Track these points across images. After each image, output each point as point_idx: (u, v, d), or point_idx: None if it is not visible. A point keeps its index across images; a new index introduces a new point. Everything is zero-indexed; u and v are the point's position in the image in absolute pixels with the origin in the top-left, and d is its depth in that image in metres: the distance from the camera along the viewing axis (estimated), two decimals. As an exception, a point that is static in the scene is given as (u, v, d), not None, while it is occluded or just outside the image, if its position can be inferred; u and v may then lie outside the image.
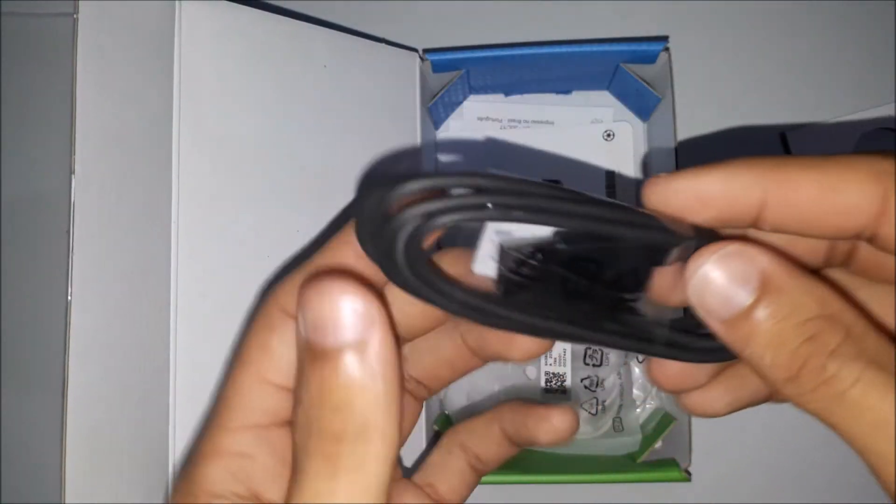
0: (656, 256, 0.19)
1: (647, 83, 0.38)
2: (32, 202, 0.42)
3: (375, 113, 0.34)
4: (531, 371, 0.40)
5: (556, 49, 0.37)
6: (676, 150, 0.36)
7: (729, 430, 0.40)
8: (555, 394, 0.39)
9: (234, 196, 0.29)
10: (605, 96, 0.42)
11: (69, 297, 0.25)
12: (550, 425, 0.23)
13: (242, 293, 0.29)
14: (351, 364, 0.15)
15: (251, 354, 0.18)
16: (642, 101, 0.40)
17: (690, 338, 0.20)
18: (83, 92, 0.26)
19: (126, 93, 0.27)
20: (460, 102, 0.42)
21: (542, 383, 0.40)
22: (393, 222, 0.16)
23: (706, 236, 0.18)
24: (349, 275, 0.16)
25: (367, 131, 0.34)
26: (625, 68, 0.38)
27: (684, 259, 0.18)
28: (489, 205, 0.16)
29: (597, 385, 0.40)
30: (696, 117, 0.41)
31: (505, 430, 0.24)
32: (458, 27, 0.43)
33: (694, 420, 0.34)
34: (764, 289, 0.17)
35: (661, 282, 0.19)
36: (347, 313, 0.15)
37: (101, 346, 0.26)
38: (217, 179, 0.29)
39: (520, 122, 0.42)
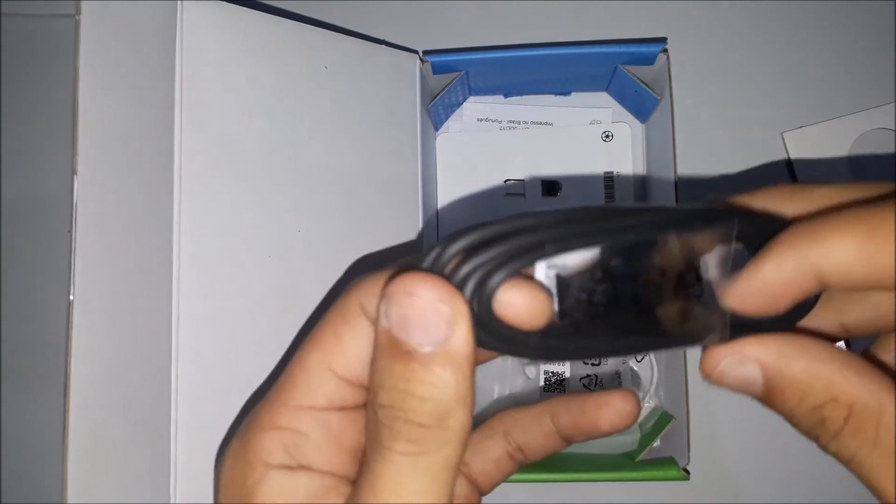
0: (702, 245, 0.19)
1: (646, 84, 0.38)
2: (34, 202, 0.42)
3: (375, 114, 0.35)
4: (531, 371, 0.40)
5: (555, 51, 0.37)
6: (675, 152, 0.36)
7: (728, 428, 0.40)
8: (553, 391, 0.40)
9: (235, 196, 0.29)
10: (603, 97, 0.42)
11: (71, 297, 0.25)
12: (613, 410, 0.24)
13: (244, 293, 0.29)
14: (436, 361, 0.17)
15: (323, 341, 0.19)
16: (641, 103, 0.40)
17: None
18: (85, 93, 0.26)
19: (128, 93, 0.28)
20: (460, 104, 0.42)
21: (542, 383, 0.40)
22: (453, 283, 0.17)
23: (748, 217, 0.20)
24: (434, 273, 0.17)
25: (367, 132, 0.34)
26: (623, 70, 0.38)
27: (729, 243, 0.20)
28: (545, 245, 0.17)
29: (596, 384, 0.40)
30: (694, 118, 0.42)
31: (558, 422, 0.25)
32: (457, 29, 0.43)
33: (692, 419, 0.34)
34: (768, 389, 0.19)
35: (717, 272, 0.20)
36: (433, 313, 0.17)
37: (102, 346, 0.26)
38: (218, 180, 0.29)
39: (519, 123, 0.42)
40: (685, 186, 0.36)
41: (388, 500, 0.17)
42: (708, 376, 0.20)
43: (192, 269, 0.28)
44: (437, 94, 0.39)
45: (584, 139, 0.42)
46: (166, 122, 0.28)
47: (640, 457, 0.37)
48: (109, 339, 0.26)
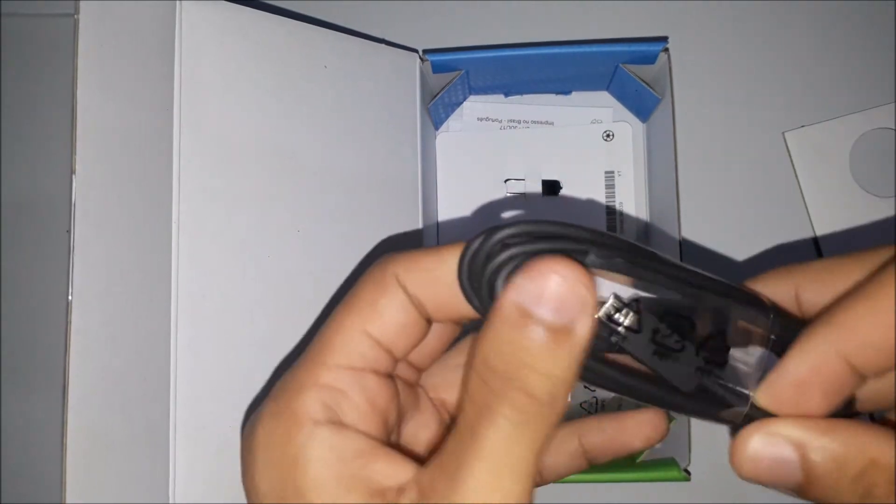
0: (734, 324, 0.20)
1: (647, 84, 0.38)
2: (33, 202, 0.42)
3: (375, 113, 0.34)
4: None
5: (556, 49, 0.37)
6: (676, 151, 0.36)
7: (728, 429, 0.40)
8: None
9: (234, 196, 0.29)
10: (604, 97, 0.42)
11: (70, 297, 0.25)
12: (649, 426, 0.25)
13: (243, 293, 0.29)
14: (561, 341, 0.18)
15: (359, 306, 0.20)
16: (642, 102, 0.40)
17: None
18: (84, 92, 0.26)
19: (127, 93, 0.28)
20: (460, 103, 0.42)
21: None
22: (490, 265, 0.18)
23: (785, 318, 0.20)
24: (578, 263, 0.18)
25: (367, 131, 0.34)
26: (624, 69, 0.38)
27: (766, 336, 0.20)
28: (591, 252, 0.18)
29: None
30: (695, 118, 0.41)
31: (588, 442, 0.25)
32: (458, 27, 0.43)
33: (693, 420, 0.34)
34: (806, 470, 0.19)
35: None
36: (573, 294, 0.18)
37: (101, 346, 0.26)
38: (218, 179, 0.29)
39: (519, 122, 0.42)
40: (686, 186, 0.36)
41: (493, 462, 0.18)
42: (739, 462, 0.20)
43: (191, 269, 0.28)
44: (437, 94, 0.39)
45: (585, 138, 0.42)
46: (165, 122, 0.28)
47: (642, 458, 0.37)
48: (108, 339, 0.26)
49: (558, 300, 0.17)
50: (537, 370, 0.18)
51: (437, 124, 0.42)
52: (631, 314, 0.19)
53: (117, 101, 0.27)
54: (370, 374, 0.20)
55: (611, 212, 0.41)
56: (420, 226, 0.35)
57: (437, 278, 0.19)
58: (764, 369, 0.20)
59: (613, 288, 0.19)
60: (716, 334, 0.20)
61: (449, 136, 0.42)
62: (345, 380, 0.20)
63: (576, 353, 0.18)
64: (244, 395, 0.29)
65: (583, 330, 0.18)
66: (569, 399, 0.18)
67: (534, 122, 0.42)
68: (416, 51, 0.37)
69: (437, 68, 0.38)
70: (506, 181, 0.41)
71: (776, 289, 0.21)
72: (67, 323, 0.25)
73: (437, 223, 0.41)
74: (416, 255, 0.20)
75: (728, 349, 0.20)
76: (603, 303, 0.19)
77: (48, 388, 0.41)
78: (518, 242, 0.18)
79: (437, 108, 0.40)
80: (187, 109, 0.28)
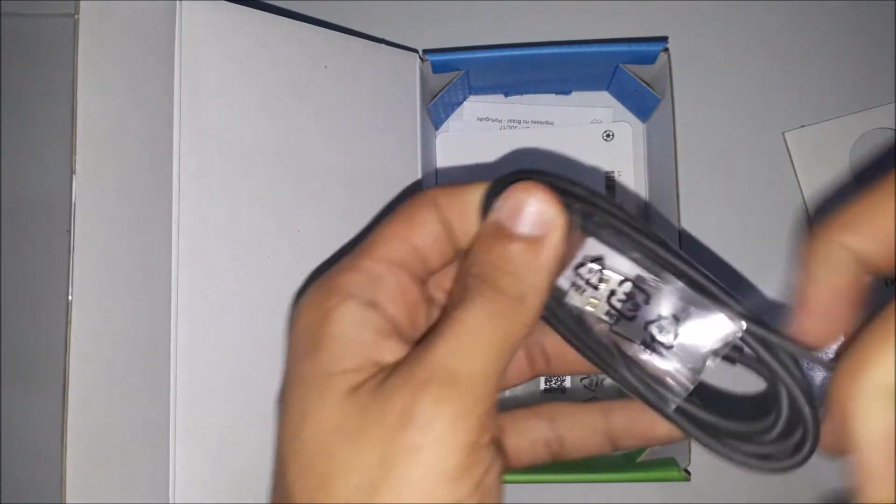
0: None
1: (647, 84, 0.38)
2: (33, 202, 0.42)
3: (375, 113, 0.34)
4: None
5: (556, 49, 0.37)
6: (676, 150, 0.36)
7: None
8: (554, 393, 0.40)
9: (234, 196, 0.29)
10: (604, 97, 0.42)
11: (70, 297, 0.25)
12: None
13: (243, 293, 0.29)
14: (528, 248, 0.21)
15: (400, 218, 0.23)
16: (642, 102, 0.40)
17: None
18: (84, 92, 0.26)
19: (127, 93, 0.28)
20: (460, 103, 0.42)
21: (542, 383, 0.40)
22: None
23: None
24: (548, 187, 0.21)
25: (367, 131, 0.34)
26: (624, 69, 0.38)
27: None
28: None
29: (596, 385, 0.40)
30: (695, 118, 0.41)
31: (612, 421, 0.26)
32: (458, 27, 0.43)
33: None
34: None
35: None
36: (540, 211, 0.21)
37: (101, 346, 0.26)
38: (218, 179, 0.29)
39: (519, 122, 0.42)
40: (686, 186, 0.36)
41: (462, 336, 0.20)
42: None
43: (191, 269, 0.28)
44: (438, 94, 0.39)
45: (585, 138, 0.42)
46: (165, 122, 0.28)
47: (641, 458, 0.37)
48: (108, 339, 0.26)
49: (529, 215, 0.21)
50: (509, 272, 0.21)
51: (437, 124, 0.42)
52: (596, 270, 0.21)
53: (117, 101, 0.27)
54: (405, 272, 0.23)
55: (611, 212, 0.41)
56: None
57: (466, 203, 0.22)
58: (692, 377, 0.21)
59: (597, 248, 0.21)
60: (670, 321, 0.21)
61: (449, 136, 0.42)
62: (382, 269, 0.22)
63: (544, 262, 0.21)
64: (244, 395, 0.29)
65: (550, 243, 0.21)
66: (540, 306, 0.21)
67: (534, 122, 0.42)
68: (416, 51, 0.37)
69: (437, 68, 0.38)
70: (506, 181, 0.41)
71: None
72: (67, 322, 0.25)
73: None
74: (453, 185, 0.23)
75: (677, 338, 0.21)
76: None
77: (48, 387, 0.41)
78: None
79: (437, 108, 0.40)
80: (187, 109, 0.28)
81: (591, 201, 0.21)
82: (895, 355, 0.17)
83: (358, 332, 0.21)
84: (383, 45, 0.36)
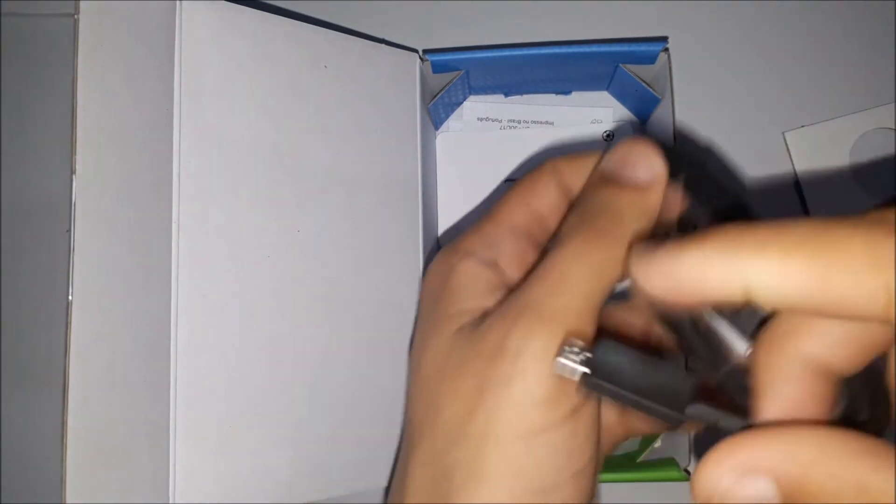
0: None
1: (647, 84, 0.38)
2: (33, 202, 0.42)
3: (375, 113, 0.34)
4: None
5: (556, 49, 0.37)
6: (677, 150, 0.36)
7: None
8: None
9: (234, 196, 0.29)
10: (604, 97, 0.42)
11: (70, 297, 0.25)
12: None
13: (243, 293, 0.29)
14: (635, 191, 0.23)
15: (523, 186, 0.26)
16: (642, 102, 0.40)
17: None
18: (84, 92, 0.26)
19: (127, 93, 0.28)
20: (460, 103, 0.42)
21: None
22: None
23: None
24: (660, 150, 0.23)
25: (366, 131, 0.34)
26: (624, 69, 0.38)
27: None
28: None
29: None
30: (695, 118, 0.41)
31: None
32: (458, 27, 0.43)
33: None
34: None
35: None
36: (647, 160, 0.23)
37: (101, 346, 0.26)
38: (218, 179, 0.29)
39: (520, 122, 0.42)
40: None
41: (555, 277, 0.22)
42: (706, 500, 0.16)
43: (191, 269, 0.28)
44: (437, 94, 0.39)
45: (585, 138, 0.42)
46: (165, 122, 0.28)
47: (642, 458, 0.37)
48: (108, 338, 0.26)
49: (635, 163, 0.23)
50: (610, 213, 0.22)
51: (437, 124, 0.42)
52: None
53: (117, 101, 0.27)
54: (524, 235, 0.25)
55: (611, 212, 0.41)
56: (420, 226, 0.35)
57: (586, 167, 0.25)
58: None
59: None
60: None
61: (449, 136, 0.42)
62: (503, 234, 0.25)
63: (646, 205, 0.23)
64: (244, 395, 0.29)
65: (654, 189, 0.23)
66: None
67: (534, 122, 0.42)
68: (416, 51, 0.37)
69: (437, 68, 0.38)
70: (506, 181, 0.41)
71: None
72: (68, 323, 0.25)
73: (437, 223, 0.41)
74: (573, 153, 0.26)
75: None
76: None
77: (48, 387, 0.41)
78: None
79: (438, 108, 0.40)
80: (187, 109, 0.28)
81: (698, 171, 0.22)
82: None
83: (473, 284, 0.24)
84: (383, 45, 0.36)
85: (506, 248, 0.25)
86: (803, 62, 0.42)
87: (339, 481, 0.31)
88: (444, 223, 0.41)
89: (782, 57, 0.42)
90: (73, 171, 0.26)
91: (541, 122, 0.42)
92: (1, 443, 0.41)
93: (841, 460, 0.14)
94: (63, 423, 0.25)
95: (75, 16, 0.26)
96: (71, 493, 0.25)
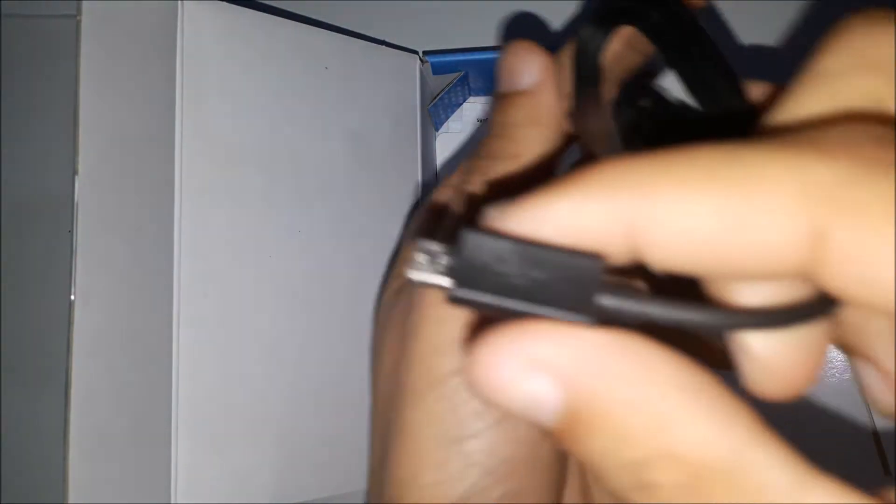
0: None
1: (646, 84, 0.38)
2: (35, 202, 0.42)
3: (375, 114, 0.35)
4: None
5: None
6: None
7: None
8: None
9: (236, 196, 0.29)
10: (604, 97, 0.42)
11: (72, 297, 0.25)
12: None
13: (244, 293, 0.29)
14: (520, 101, 0.22)
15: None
16: (641, 103, 0.40)
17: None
18: (86, 93, 0.26)
19: (129, 94, 0.28)
20: (460, 104, 0.42)
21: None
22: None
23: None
24: (540, 47, 0.22)
25: (367, 133, 0.34)
26: (624, 70, 0.38)
27: None
28: None
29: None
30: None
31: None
32: (458, 29, 0.43)
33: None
34: (567, 418, 0.12)
35: None
36: (528, 68, 0.22)
37: (104, 346, 0.26)
38: (219, 180, 0.29)
39: (519, 123, 0.43)
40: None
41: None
42: (477, 384, 0.12)
43: (192, 269, 0.28)
44: (437, 95, 0.39)
45: (585, 139, 0.42)
46: (167, 122, 0.28)
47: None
48: (110, 338, 0.26)
49: (517, 73, 0.23)
50: (502, 135, 0.23)
51: (438, 125, 0.42)
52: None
53: (119, 102, 0.27)
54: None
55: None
56: (420, 226, 0.36)
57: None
58: None
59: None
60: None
61: (449, 137, 0.42)
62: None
63: (531, 115, 0.22)
64: (245, 395, 0.29)
65: (545, 97, 0.23)
66: None
67: (534, 122, 0.42)
68: (416, 52, 0.37)
69: (438, 70, 0.38)
70: (506, 182, 0.42)
71: None
72: (70, 322, 0.25)
73: (438, 224, 0.41)
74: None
75: None
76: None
77: (50, 387, 0.41)
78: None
79: (438, 110, 0.40)
80: (189, 110, 0.28)
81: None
82: None
83: None
84: (383, 47, 0.36)
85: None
86: (803, 62, 0.42)
87: (341, 481, 0.31)
88: (444, 223, 0.41)
89: (782, 57, 0.42)
90: (75, 172, 0.26)
91: (540, 123, 0.42)
92: (3, 442, 0.41)
93: (648, 382, 0.11)
94: (65, 422, 0.25)
95: (77, 17, 0.26)
96: (73, 493, 0.25)
